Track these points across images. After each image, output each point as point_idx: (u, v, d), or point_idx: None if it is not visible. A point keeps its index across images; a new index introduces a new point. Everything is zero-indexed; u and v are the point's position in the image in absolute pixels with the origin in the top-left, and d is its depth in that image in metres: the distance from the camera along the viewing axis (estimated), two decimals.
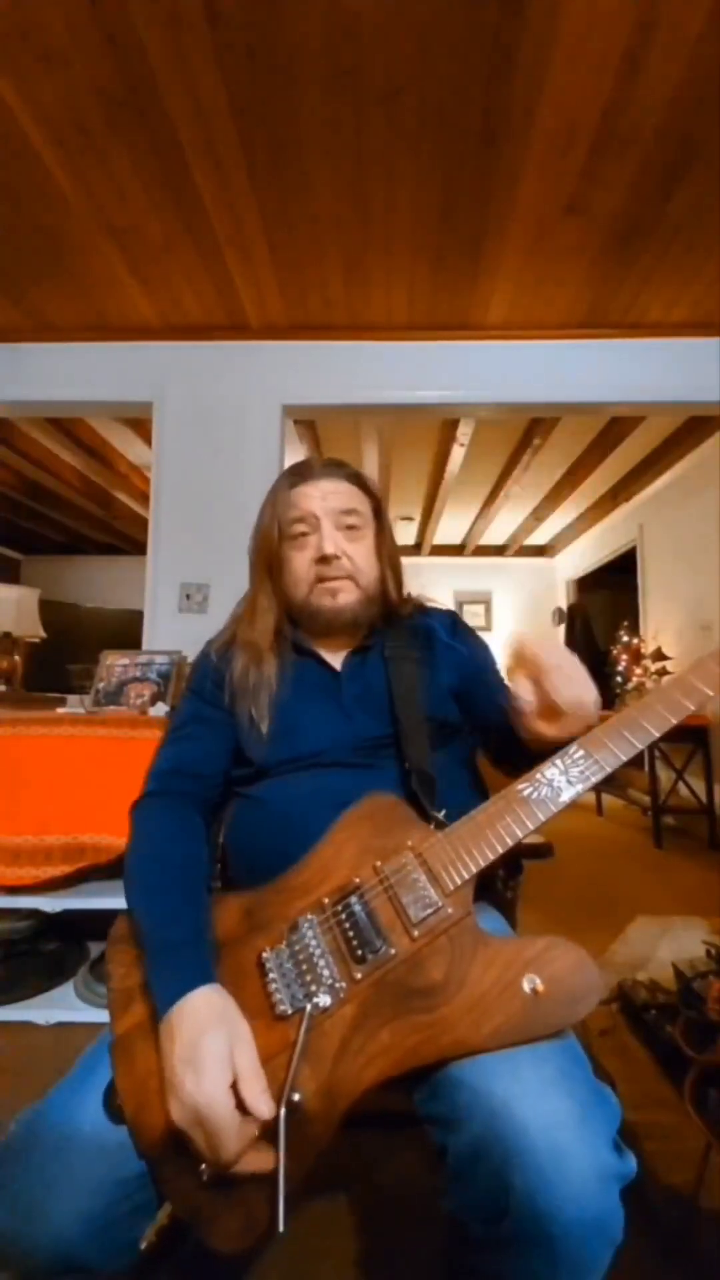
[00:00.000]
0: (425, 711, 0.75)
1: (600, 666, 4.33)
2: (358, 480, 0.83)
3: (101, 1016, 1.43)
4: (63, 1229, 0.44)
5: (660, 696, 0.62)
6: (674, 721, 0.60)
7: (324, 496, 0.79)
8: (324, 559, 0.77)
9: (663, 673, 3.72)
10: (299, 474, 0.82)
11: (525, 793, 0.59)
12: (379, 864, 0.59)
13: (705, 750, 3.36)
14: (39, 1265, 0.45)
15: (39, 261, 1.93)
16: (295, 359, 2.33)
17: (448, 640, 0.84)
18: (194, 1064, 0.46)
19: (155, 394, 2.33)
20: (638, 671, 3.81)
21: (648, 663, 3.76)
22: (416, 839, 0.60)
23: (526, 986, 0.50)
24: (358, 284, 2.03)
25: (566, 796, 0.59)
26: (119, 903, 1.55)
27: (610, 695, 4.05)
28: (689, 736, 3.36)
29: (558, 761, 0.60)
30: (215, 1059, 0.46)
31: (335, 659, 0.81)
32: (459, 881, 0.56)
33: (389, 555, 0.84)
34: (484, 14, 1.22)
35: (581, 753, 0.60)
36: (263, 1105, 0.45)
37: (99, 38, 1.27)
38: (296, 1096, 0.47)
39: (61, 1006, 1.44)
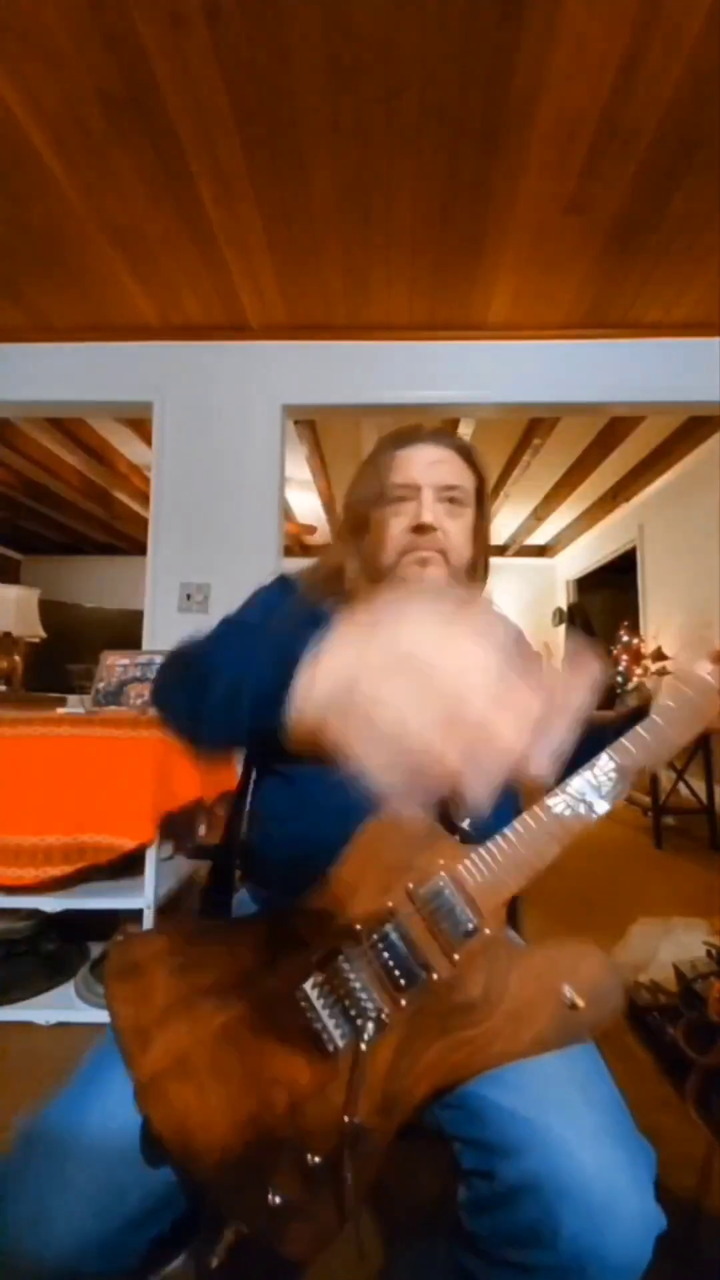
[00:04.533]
0: None
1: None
2: (466, 454, 0.78)
3: (102, 1017, 1.43)
4: (64, 1238, 0.44)
5: (677, 697, 0.61)
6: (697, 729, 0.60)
7: (429, 465, 0.75)
8: (420, 528, 0.72)
9: (663, 672, 3.72)
10: (406, 437, 0.77)
11: (558, 809, 0.58)
12: (411, 886, 0.56)
13: (705, 750, 3.36)
14: (45, 1275, 0.45)
15: (39, 261, 1.93)
16: (295, 359, 2.33)
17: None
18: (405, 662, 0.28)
19: (155, 394, 2.33)
20: (638, 671, 3.81)
21: (648, 663, 3.76)
22: (447, 857, 0.57)
23: (564, 996, 0.51)
24: (358, 284, 2.03)
25: (601, 809, 0.57)
26: (119, 903, 1.54)
27: (611, 696, 4.05)
28: None
29: (587, 774, 0.59)
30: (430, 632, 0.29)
31: None
32: (495, 904, 0.55)
33: (484, 539, 0.79)
34: (484, 13, 1.22)
35: (613, 765, 0.59)
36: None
37: (99, 38, 1.27)
38: (356, 1120, 0.48)
39: (61, 1006, 1.44)
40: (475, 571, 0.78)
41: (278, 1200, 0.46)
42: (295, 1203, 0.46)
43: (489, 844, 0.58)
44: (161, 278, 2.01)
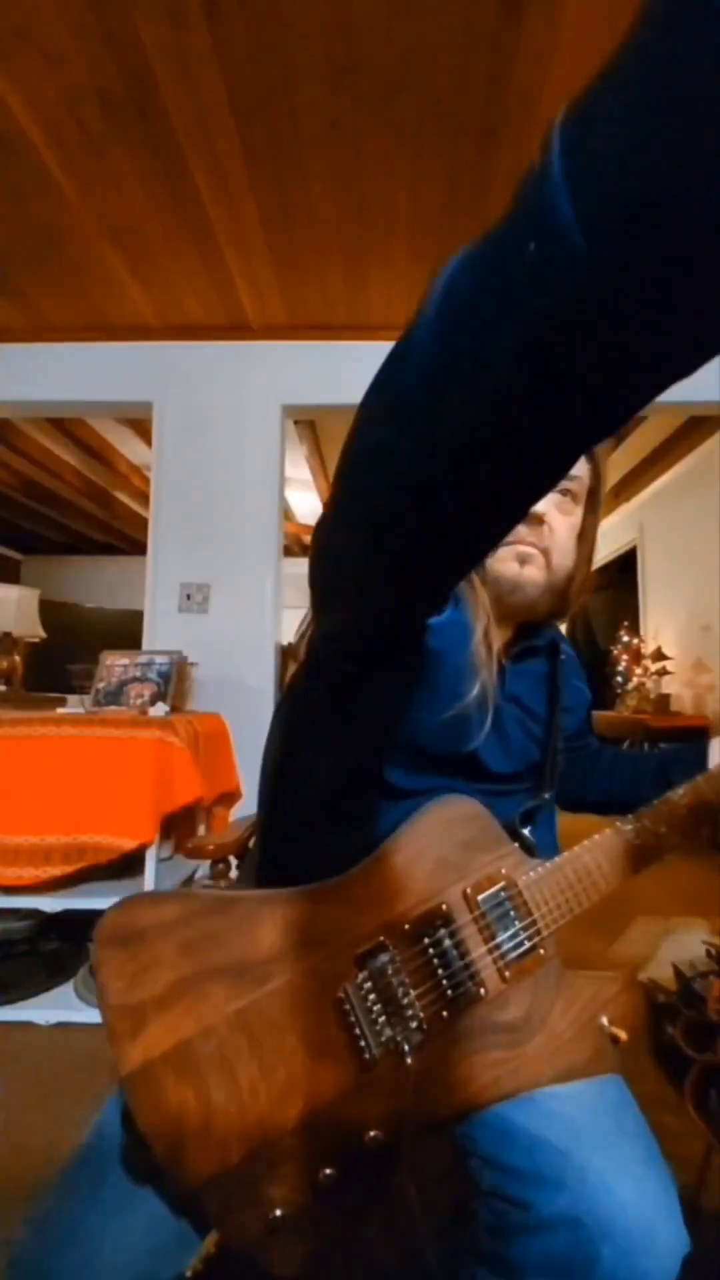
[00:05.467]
0: (560, 743, 0.65)
1: (601, 667, 4.34)
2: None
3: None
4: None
5: None
6: None
7: None
8: (529, 516, 0.59)
9: (663, 673, 3.72)
10: None
11: (631, 836, 0.56)
12: (469, 891, 0.52)
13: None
14: None
15: (39, 261, 1.93)
16: (295, 359, 2.33)
17: (578, 683, 0.75)
18: None
19: (155, 394, 2.33)
20: (638, 672, 3.81)
21: (648, 663, 3.76)
22: (510, 865, 0.54)
23: (604, 1028, 0.52)
24: (358, 283, 2.03)
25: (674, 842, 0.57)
26: None
27: (611, 696, 4.05)
28: (689, 737, 3.36)
29: (661, 807, 0.58)
30: None
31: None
32: (556, 926, 0.54)
33: (589, 549, 0.67)
34: (483, 11, 1.22)
35: (688, 802, 0.58)
36: None
37: (99, 37, 1.27)
38: (373, 1132, 0.46)
39: (61, 1006, 1.44)
40: (572, 583, 0.65)
41: (279, 1214, 0.43)
42: (296, 1218, 0.44)
43: (556, 861, 0.55)
44: (161, 278, 2.01)
